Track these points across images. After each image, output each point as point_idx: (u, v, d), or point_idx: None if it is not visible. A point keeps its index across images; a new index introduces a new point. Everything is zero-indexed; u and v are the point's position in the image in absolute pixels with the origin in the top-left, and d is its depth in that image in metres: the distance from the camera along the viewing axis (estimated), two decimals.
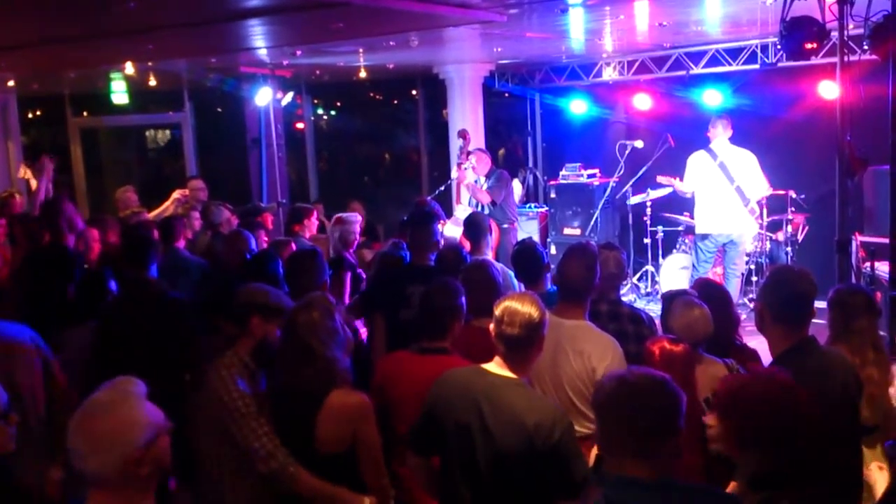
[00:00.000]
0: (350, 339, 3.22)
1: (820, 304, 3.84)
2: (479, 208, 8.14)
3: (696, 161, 8.23)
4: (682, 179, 8.43)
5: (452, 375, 2.98)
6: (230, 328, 3.38)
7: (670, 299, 3.65)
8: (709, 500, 2.24)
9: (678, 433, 2.18)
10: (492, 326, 2.91)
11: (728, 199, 8.08)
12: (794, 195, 8.45)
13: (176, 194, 8.26)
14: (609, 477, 2.17)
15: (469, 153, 8.33)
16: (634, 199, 9.51)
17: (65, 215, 5.59)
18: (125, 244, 4.61)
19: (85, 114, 12.62)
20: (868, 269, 6.81)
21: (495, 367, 2.90)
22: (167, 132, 13.93)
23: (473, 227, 5.52)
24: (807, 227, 8.67)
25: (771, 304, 3.06)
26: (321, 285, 4.29)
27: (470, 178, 8.31)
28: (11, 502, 2.57)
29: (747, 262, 8.57)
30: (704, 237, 8.20)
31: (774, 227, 8.64)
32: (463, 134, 8.49)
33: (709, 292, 3.85)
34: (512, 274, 5.30)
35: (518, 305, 2.86)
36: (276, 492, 3.08)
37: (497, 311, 2.88)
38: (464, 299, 3.54)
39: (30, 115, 12.95)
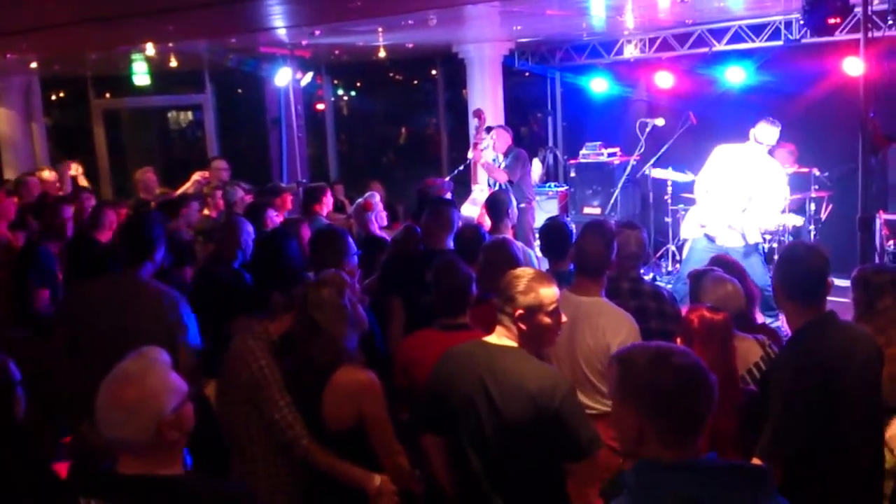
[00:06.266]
0: (363, 318, 3.18)
1: (843, 282, 3.85)
2: (497, 188, 8.11)
3: None
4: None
5: (454, 351, 3.01)
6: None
7: (698, 277, 3.72)
8: (736, 475, 1.98)
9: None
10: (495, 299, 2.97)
11: None
12: (817, 173, 8.35)
13: (196, 176, 8.31)
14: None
15: (490, 129, 8.27)
16: (657, 173, 9.37)
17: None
18: (123, 241, 4.19)
19: (107, 95, 12.70)
20: (892, 246, 6.75)
21: (495, 338, 2.95)
22: (189, 113, 14.00)
23: (496, 205, 5.49)
24: (830, 205, 8.58)
25: (783, 281, 3.08)
26: (346, 265, 4.26)
27: (487, 157, 8.25)
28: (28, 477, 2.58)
29: (770, 241, 8.47)
30: None
31: (798, 204, 8.55)
32: (478, 113, 8.43)
33: (728, 269, 3.92)
34: (532, 252, 5.30)
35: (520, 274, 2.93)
36: (310, 470, 3.09)
37: (501, 284, 2.95)
38: (470, 271, 3.60)
39: (52, 97, 13.06)
